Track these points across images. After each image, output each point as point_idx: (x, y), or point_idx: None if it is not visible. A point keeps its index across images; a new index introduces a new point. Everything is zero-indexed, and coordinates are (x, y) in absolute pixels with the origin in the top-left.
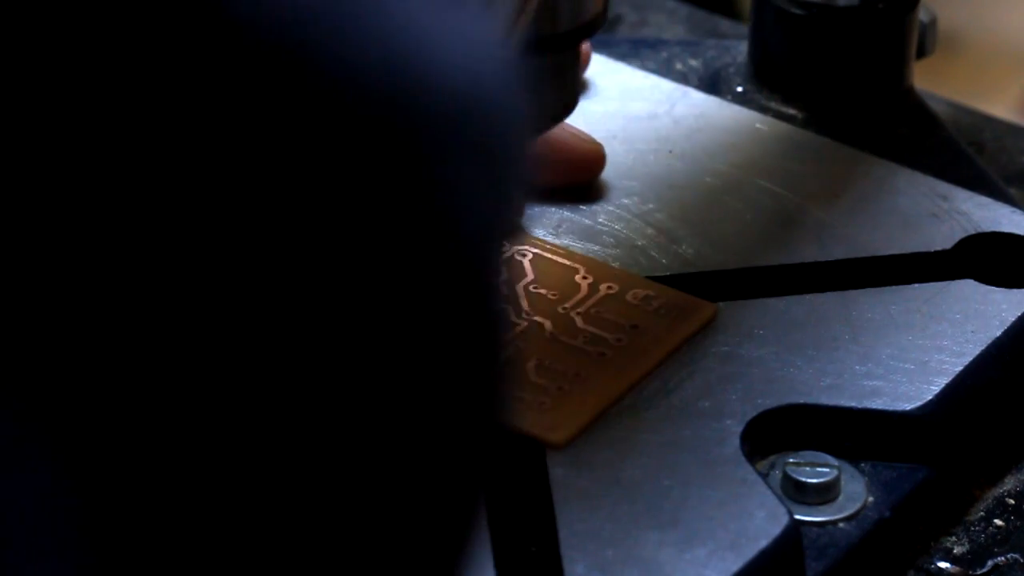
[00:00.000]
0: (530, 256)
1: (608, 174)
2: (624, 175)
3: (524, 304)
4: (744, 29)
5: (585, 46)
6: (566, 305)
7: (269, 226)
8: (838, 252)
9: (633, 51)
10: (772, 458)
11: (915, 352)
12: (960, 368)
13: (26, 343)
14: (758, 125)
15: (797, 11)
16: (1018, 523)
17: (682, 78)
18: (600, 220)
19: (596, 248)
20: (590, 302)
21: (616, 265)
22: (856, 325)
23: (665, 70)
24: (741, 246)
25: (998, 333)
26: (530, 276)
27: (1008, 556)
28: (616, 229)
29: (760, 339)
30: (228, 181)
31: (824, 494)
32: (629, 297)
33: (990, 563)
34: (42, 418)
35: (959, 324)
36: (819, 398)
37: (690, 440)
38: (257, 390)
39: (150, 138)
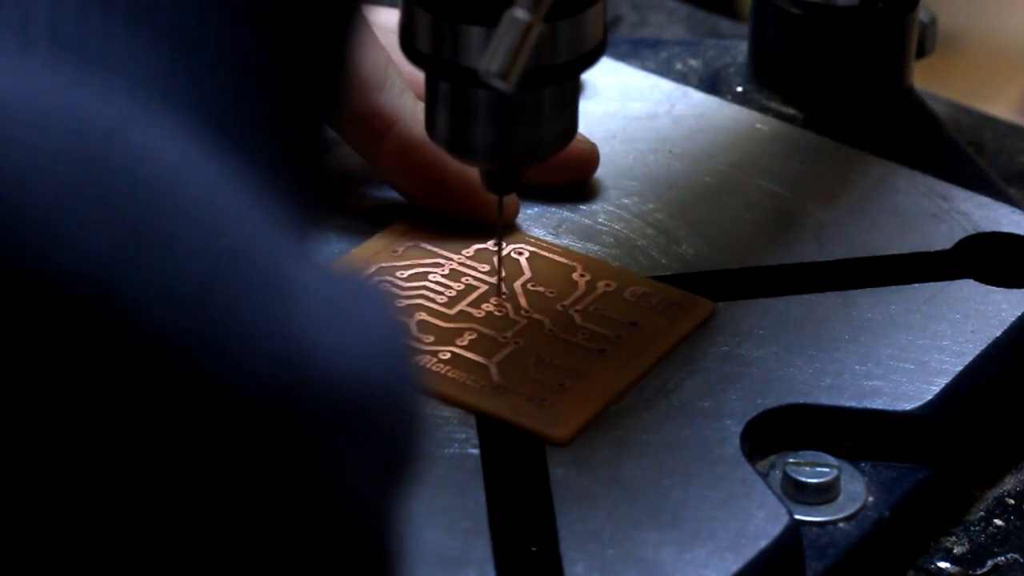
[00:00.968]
0: (527, 254)
1: (608, 174)
2: (624, 175)
3: (523, 302)
4: (744, 29)
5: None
6: (564, 303)
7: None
8: (838, 252)
9: (633, 51)
10: (772, 458)
11: (915, 352)
12: (960, 368)
13: None
14: (758, 125)
15: (797, 11)
16: (1018, 523)
17: (682, 78)
18: (600, 220)
19: (596, 248)
20: (588, 299)
21: (616, 264)
22: (856, 325)
23: (665, 70)
24: (741, 246)
25: (998, 333)
26: (528, 274)
27: (1008, 556)
28: (616, 229)
29: (760, 339)
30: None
31: (824, 494)
32: (627, 294)
33: (990, 563)
34: None
35: (959, 324)
36: (819, 398)
37: (690, 440)
38: None
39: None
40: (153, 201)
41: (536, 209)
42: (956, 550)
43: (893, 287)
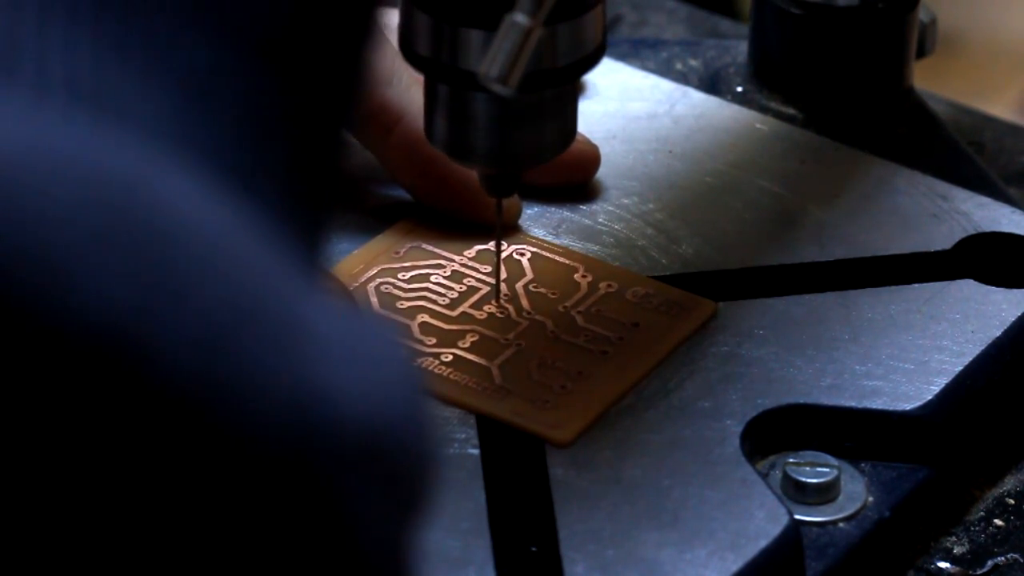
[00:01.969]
0: (528, 255)
1: (608, 174)
2: (624, 175)
3: (525, 303)
4: (744, 29)
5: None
6: (566, 304)
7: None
8: (838, 252)
9: (633, 51)
10: (772, 458)
11: (915, 352)
12: (960, 368)
13: None
14: (758, 125)
15: (796, 11)
16: (1018, 523)
17: (682, 78)
18: (600, 220)
19: (596, 248)
20: (590, 301)
21: (616, 265)
22: (856, 325)
23: (665, 70)
24: (741, 246)
25: (998, 333)
26: (529, 275)
27: (1008, 556)
28: (616, 229)
29: (760, 339)
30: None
31: (824, 494)
32: (629, 295)
33: (990, 563)
34: None
35: (959, 324)
36: (819, 398)
37: (690, 440)
38: None
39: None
40: (171, 250)
41: (536, 209)
42: (956, 550)
43: (893, 287)
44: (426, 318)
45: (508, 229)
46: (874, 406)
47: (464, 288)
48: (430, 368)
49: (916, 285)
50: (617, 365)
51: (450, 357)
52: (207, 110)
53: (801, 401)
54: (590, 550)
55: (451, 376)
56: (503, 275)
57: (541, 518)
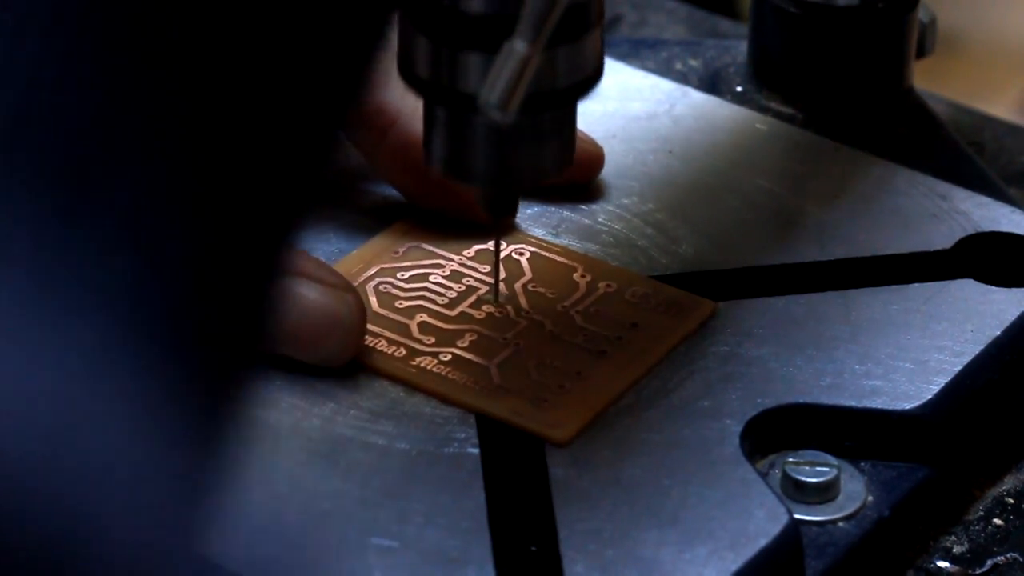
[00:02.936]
0: (527, 255)
1: (608, 174)
2: (624, 175)
3: (523, 303)
4: (744, 29)
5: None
6: (565, 304)
7: None
8: (838, 252)
9: (633, 51)
10: (772, 457)
11: (915, 352)
12: (960, 368)
13: None
14: (758, 125)
15: (796, 11)
16: (1018, 523)
17: (682, 78)
18: (600, 220)
19: (596, 248)
20: (589, 300)
21: (615, 264)
22: (856, 325)
23: (665, 70)
24: (741, 246)
25: (998, 333)
26: (528, 275)
27: (1008, 556)
28: (616, 229)
29: (760, 339)
30: None
31: (824, 494)
32: (628, 295)
33: (990, 563)
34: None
35: (959, 324)
36: (819, 398)
37: (690, 440)
38: None
39: None
40: None
41: (536, 209)
42: (956, 550)
43: (893, 287)
44: (425, 318)
45: (505, 228)
46: (874, 406)
47: (463, 288)
48: (429, 367)
49: (916, 285)
50: (616, 365)
51: (449, 356)
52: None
53: (801, 401)
54: (590, 550)
55: (450, 375)
56: (503, 275)
57: (541, 518)
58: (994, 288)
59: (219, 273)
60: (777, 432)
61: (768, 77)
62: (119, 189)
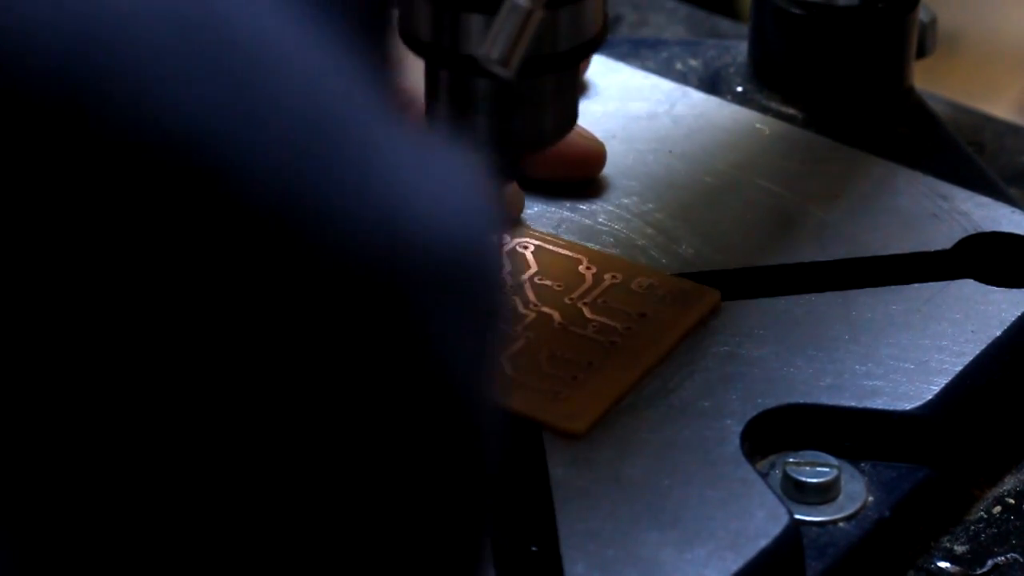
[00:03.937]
0: (532, 248)
1: (608, 174)
2: (624, 175)
3: (531, 296)
4: (744, 29)
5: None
6: (572, 296)
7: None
8: (838, 252)
9: (633, 51)
10: (772, 458)
11: (915, 352)
12: (960, 368)
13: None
14: (758, 125)
15: (797, 11)
16: (1018, 523)
17: (682, 78)
18: (600, 220)
19: (596, 248)
20: (596, 292)
21: (619, 256)
22: (856, 325)
23: (665, 70)
24: (741, 246)
25: (998, 333)
26: (534, 268)
27: (1008, 556)
28: (616, 229)
29: (760, 339)
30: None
31: (824, 494)
32: (634, 286)
33: (990, 563)
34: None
35: (959, 324)
36: (819, 398)
37: (690, 440)
38: (254, 391)
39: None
40: (251, 62)
41: (536, 208)
42: (957, 550)
43: (893, 287)
44: None
45: (511, 222)
46: (874, 406)
47: None
48: None
49: (916, 285)
50: (627, 355)
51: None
52: None
53: (801, 401)
54: (590, 550)
55: None
56: (507, 268)
57: (541, 518)
58: (994, 288)
59: None
60: (777, 432)
61: (768, 77)
62: None
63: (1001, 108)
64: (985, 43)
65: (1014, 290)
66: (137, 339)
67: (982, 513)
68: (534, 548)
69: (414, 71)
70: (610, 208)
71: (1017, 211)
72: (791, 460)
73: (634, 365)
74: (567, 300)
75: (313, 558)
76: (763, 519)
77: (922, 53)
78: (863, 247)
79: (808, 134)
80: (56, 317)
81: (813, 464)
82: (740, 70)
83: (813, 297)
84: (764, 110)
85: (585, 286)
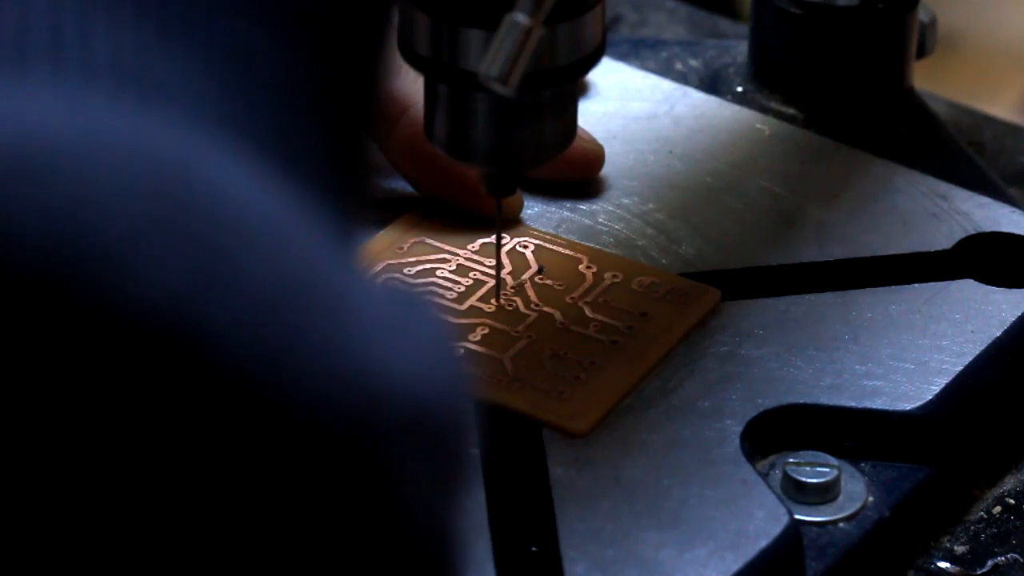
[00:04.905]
0: (532, 247)
1: (608, 174)
2: (624, 175)
3: (532, 295)
4: (744, 29)
5: None
6: (574, 295)
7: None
8: (838, 252)
9: (633, 51)
10: (772, 458)
11: (915, 352)
12: (960, 368)
13: None
14: (758, 125)
15: (797, 11)
16: (1018, 523)
17: (682, 78)
18: (600, 220)
19: (596, 248)
20: (597, 291)
21: (618, 255)
22: (856, 325)
23: (665, 70)
24: (741, 246)
25: (998, 333)
26: (534, 267)
27: (1008, 556)
28: (616, 229)
29: (760, 339)
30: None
31: (824, 494)
32: (635, 285)
33: (990, 563)
34: None
35: (959, 324)
36: (819, 398)
37: (690, 440)
38: (224, 551)
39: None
40: (221, 233)
41: (536, 209)
42: (957, 550)
43: (893, 287)
44: None
45: (509, 223)
46: (874, 406)
47: (471, 282)
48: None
49: (916, 285)
50: (629, 354)
51: (461, 351)
52: (247, 89)
53: (801, 401)
54: (590, 550)
55: None
56: (508, 268)
57: (541, 518)
58: (994, 288)
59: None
60: (777, 432)
61: (768, 77)
62: None
63: (1001, 108)
64: (985, 43)
65: (1014, 290)
66: (118, 507)
67: (982, 513)
68: (534, 548)
69: (405, 79)
70: (610, 208)
71: (1017, 211)
72: (791, 460)
73: (636, 364)
74: (568, 300)
75: None
76: (763, 519)
77: (922, 53)
78: (863, 247)
79: (808, 134)
80: (42, 487)
81: (813, 464)
82: (740, 70)
83: (813, 297)
84: (764, 110)
85: (586, 285)
